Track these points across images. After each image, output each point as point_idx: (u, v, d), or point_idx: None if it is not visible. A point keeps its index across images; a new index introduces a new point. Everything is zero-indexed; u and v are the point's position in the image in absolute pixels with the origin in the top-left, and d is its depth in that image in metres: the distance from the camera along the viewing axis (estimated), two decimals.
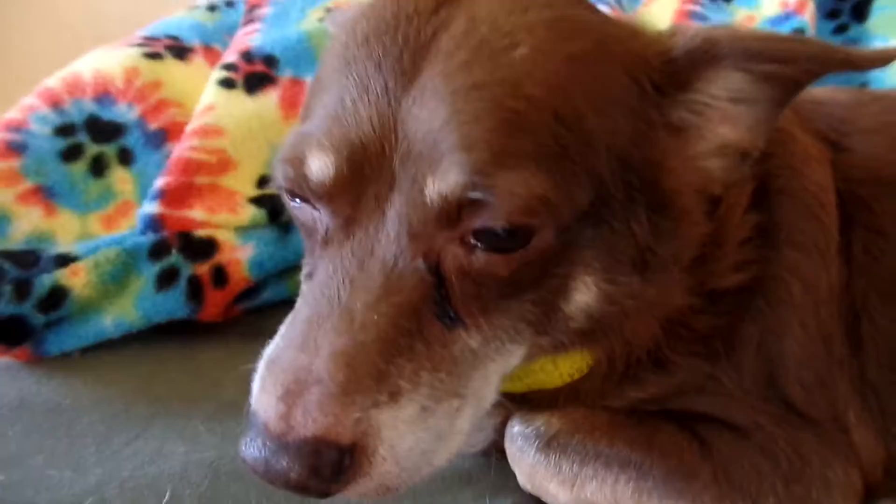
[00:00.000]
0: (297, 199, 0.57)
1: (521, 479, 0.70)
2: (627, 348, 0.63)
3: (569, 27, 0.56)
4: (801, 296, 0.66)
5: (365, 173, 0.52)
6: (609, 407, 0.67)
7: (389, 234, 0.52)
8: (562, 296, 0.56)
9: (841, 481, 0.64)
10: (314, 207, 0.56)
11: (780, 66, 0.56)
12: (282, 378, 0.50)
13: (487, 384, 0.57)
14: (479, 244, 0.52)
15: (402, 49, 0.53)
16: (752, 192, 0.66)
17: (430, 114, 0.51)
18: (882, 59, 0.59)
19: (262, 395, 0.51)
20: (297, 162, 0.54)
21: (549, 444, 0.67)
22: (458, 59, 0.52)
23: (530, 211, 0.51)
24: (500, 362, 0.57)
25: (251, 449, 0.50)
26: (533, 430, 0.68)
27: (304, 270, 0.58)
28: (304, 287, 0.56)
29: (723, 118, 0.58)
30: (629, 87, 0.56)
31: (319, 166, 0.53)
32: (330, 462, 0.48)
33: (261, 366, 0.53)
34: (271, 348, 0.54)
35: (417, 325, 0.51)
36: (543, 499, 0.70)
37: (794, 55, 0.56)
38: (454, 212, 0.51)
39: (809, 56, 0.56)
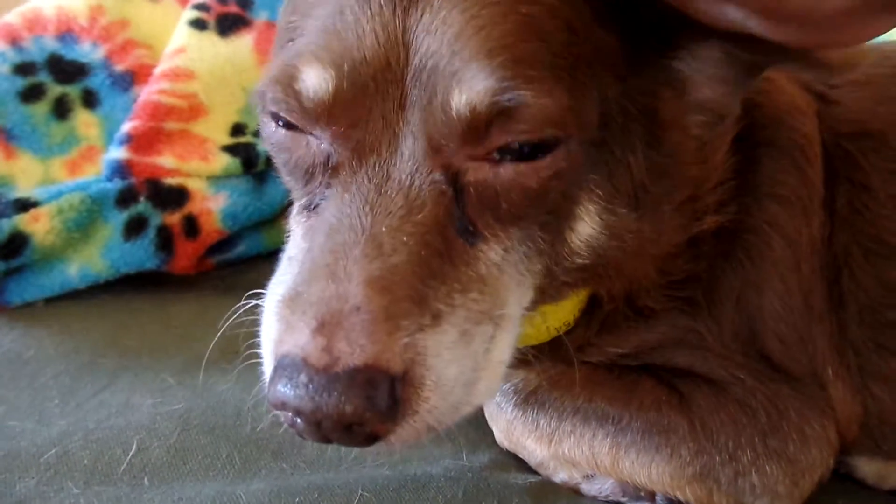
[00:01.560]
0: (286, 126, 0.53)
1: (499, 436, 0.70)
2: (626, 287, 0.62)
3: None
4: (781, 249, 0.66)
5: (369, 91, 0.49)
6: (588, 363, 0.67)
7: (404, 154, 0.49)
8: (567, 224, 0.55)
9: (818, 436, 0.64)
10: (308, 133, 0.52)
11: (758, 56, 0.56)
12: (313, 311, 0.46)
13: (514, 311, 0.54)
14: (505, 158, 0.50)
15: None
16: (737, 142, 0.65)
17: (443, 23, 0.48)
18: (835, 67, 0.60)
19: (290, 332, 0.47)
20: (289, 79, 0.50)
21: (526, 399, 0.67)
22: None
23: (558, 121, 0.49)
24: (522, 287, 0.54)
25: (290, 389, 0.45)
26: (511, 386, 0.67)
27: (301, 202, 0.54)
28: (307, 220, 0.53)
29: (702, 81, 0.58)
30: (632, 19, 0.54)
31: (316, 82, 0.49)
32: (385, 392, 0.45)
33: (274, 306, 0.49)
34: (283, 287, 0.50)
35: (444, 243, 0.49)
36: (520, 455, 0.70)
37: (772, 49, 0.54)
38: (483, 125, 0.48)
39: (787, 54, 0.55)
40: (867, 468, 0.72)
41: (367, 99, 0.49)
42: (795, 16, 0.48)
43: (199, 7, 1.02)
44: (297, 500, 0.62)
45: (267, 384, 0.48)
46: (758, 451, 0.62)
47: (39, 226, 0.83)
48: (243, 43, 1.00)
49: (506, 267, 0.52)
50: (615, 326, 0.65)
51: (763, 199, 0.66)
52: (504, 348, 0.53)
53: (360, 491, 0.63)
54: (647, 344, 0.66)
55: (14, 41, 0.96)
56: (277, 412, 0.48)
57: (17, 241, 0.83)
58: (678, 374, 0.66)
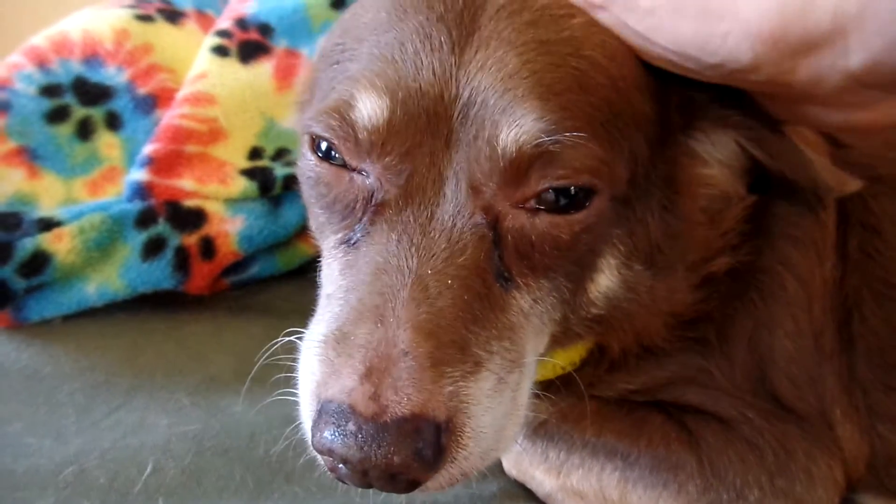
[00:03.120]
0: (335, 158, 0.53)
1: (507, 466, 0.70)
2: (636, 340, 0.63)
3: None
4: (794, 290, 0.67)
5: (420, 124, 0.50)
6: (598, 397, 0.68)
7: (447, 195, 0.50)
8: (589, 275, 0.56)
9: (824, 476, 0.65)
10: (353, 170, 0.52)
11: (765, 157, 0.58)
12: (360, 354, 0.46)
13: (532, 359, 0.55)
14: (541, 207, 0.51)
15: (462, 3, 0.52)
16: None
17: (498, 62, 0.49)
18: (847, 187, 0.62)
19: (336, 377, 0.46)
20: (345, 107, 0.50)
21: (536, 431, 0.67)
22: (524, 18, 0.52)
23: (596, 171, 0.50)
24: (540, 336, 0.55)
25: (338, 437, 0.44)
26: None
27: (337, 237, 0.54)
28: (344, 256, 0.53)
29: (713, 163, 0.61)
30: (665, 95, 0.57)
31: (371, 109, 0.50)
32: (431, 441, 0.45)
33: (316, 346, 0.49)
34: (325, 326, 0.50)
35: (484, 287, 0.49)
36: (529, 486, 0.70)
37: (780, 154, 0.58)
38: (525, 165, 0.49)
39: (790, 161, 0.58)
40: None
41: (419, 133, 0.50)
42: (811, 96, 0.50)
43: (222, 34, 1.04)
44: None
45: (310, 428, 0.47)
46: (765, 490, 0.63)
47: (61, 245, 0.84)
48: (263, 69, 1.02)
49: (532, 316, 0.53)
50: (625, 363, 0.66)
51: (777, 239, 0.67)
52: (526, 396, 0.53)
53: None
54: (658, 381, 0.67)
55: (41, 63, 0.98)
56: (320, 457, 0.48)
57: (39, 260, 0.84)
58: (688, 411, 0.66)
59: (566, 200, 0.51)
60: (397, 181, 0.51)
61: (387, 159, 0.51)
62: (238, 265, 0.96)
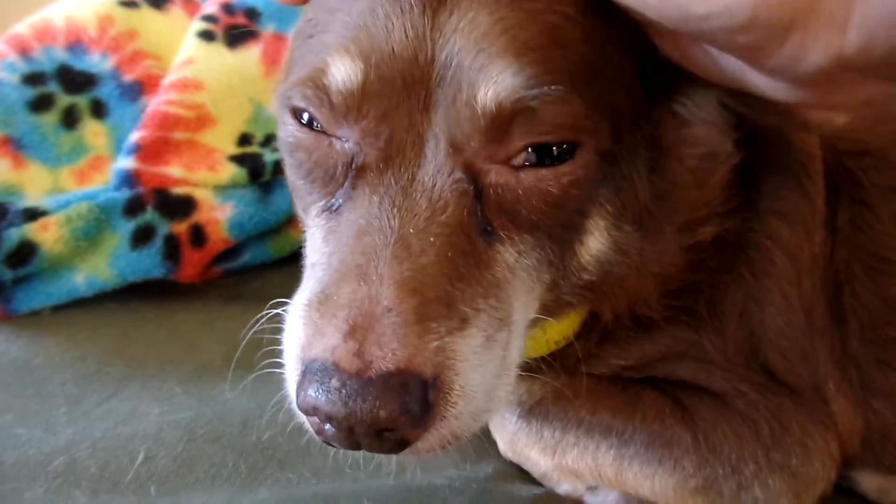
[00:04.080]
0: (309, 125, 0.53)
1: (502, 447, 0.70)
2: (628, 306, 0.63)
3: None
4: (783, 265, 0.67)
5: (396, 87, 0.49)
6: (591, 375, 0.67)
7: (427, 156, 0.49)
8: (578, 238, 0.56)
9: (820, 449, 0.65)
10: (333, 135, 0.52)
11: (747, 109, 0.58)
12: (343, 313, 0.46)
13: (522, 318, 0.54)
14: (526, 164, 0.50)
15: None
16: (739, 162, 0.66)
17: (470, 23, 0.49)
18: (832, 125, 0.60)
19: (319, 336, 0.46)
20: (318, 73, 0.50)
21: (530, 411, 0.67)
22: None
23: (577, 125, 0.50)
24: (529, 296, 0.54)
25: (322, 394, 0.44)
26: (515, 398, 0.68)
27: (319, 205, 0.54)
28: (326, 222, 0.53)
29: (697, 122, 0.60)
30: (643, 55, 0.56)
31: (345, 74, 0.49)
32: (417, 396, 0.44)
33: (300, 310, 0.49)
34: (309, 291, 0.49)
35: (468, 244, 0.49)
36: (524, 466, 0.70)
37: (763, 105, 0.56)
38: (506, 122, 0.49)
39: (772, 114, 0.57)
40: (869, 483, 0.72)
41: (395, 95, 0.49)
42: (783, 72, 0.48)
43: (207, 18, 1.03)
44: None
45: (295, 389, 0.47)
46: (760, 464, 0.63)
47: (48, 235, 0.84)
48: (251, 54, 1.01)
49: (518, 271, 0.52)
50: (617, 338, 0.65)
51: (765, 214, 0.67)
52: (516, 355, 0.53)
53: (364, 501, 0.64)
54: (651, 356, 0.67)
55: (24, 51, 0.97)
56: (306, 419, 0.47)
57: (26, 250, 0.83)
58: (681, 386, 0.66)
59: (550, 154, 0.51)
60: (376, 144, 0.50)
61: (363, 122, 0.50)
62: (229, 253, 0.95)
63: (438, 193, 0.49)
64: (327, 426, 0.46)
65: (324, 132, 0.53)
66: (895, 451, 0.69)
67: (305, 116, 0.54)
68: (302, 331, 0.48)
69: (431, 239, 0.48)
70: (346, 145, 0.52)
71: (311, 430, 0.49)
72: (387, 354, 0.44)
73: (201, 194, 0.92)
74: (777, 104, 0.52)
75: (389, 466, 0.67)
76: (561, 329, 0.65)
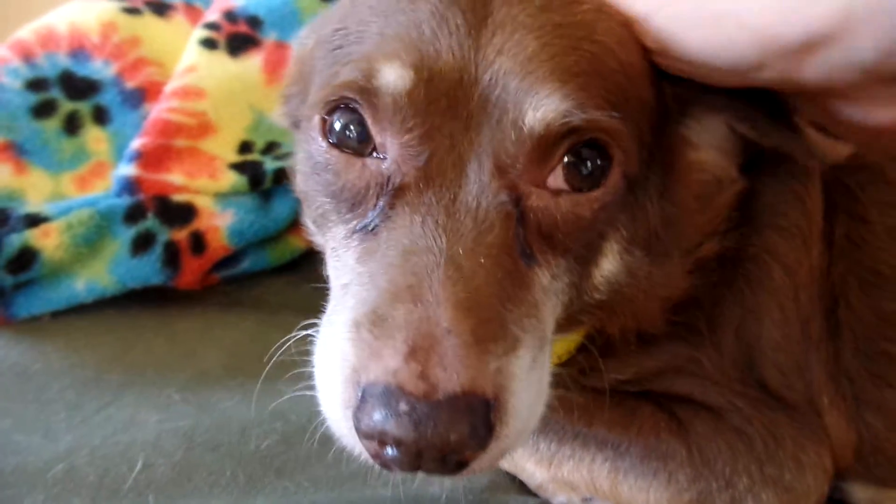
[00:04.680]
0: (348, 142, 0.52)
1: None
2: (635, 325, 0.64)
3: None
4: (781, 279, 0.67)
5: (441, 105, 0.49)
6: (588, 388, 0.68)
7: (470, 176, 0.50)
8: (595, 259, 0.56)
9: (813, 463, 0.65)
10: (368, 155, 0.52)
11: (756, 134, 0.59)
12: (402, 335, 0.44)
13: (551, 338, 0.54)
14: (563, 188, 0.52)
15: None
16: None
17: (516, 45, 0.50)
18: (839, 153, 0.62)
19: (377, 359, 0.44)
20: (364, 76, 0.50)
21: None
22: (536, 2, 0.52)
23: (616, 140, 0.52)
24: (552, 316, 0.54)
25: (390, 419, 0.43)
26: None
27: (349, 226, 0.53)
28: (360, 243, 0.52)
29: (705, 147, 0.62)
30: (658, 74, 0.57)
31: (397, 77, 0.49)
32: (483, 418, 0.44)
33: (348, 330, 0.47)
34: (352, 311, 0.48)
35: (513, 265, 0.49)
36: (520, 477, 0.70)
37: (771, 130, 0.59)
38: (552, 143, 0.50)
39: (780, 139, 0.59)
40: (861, 494, 0.73)
41: (439, 114, 0.50)
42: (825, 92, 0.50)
43: (210, 26, 1.03)
44: None
45: (351, 415, 0.45)
46: (754, 478, 0.63)
47: (49, 241, 0.84)
48: (252, 62, 1.02)
49: (550, 293, 0.53)
50: (616, 353, 0.66)
51: (763, 228, 0.67)
52: (548, 376, 0.52)
53: None
54: (648, 371, 0.67)
55: (27, 57, 0.97)
56: (358, 442, 0.46)
57: (27, 256, 0.83)
58: (677, 400, 0.67)
59: (587, 172, 0.52)
60: (416, 163, 0.50)
61: (406, 137, 0.50)
62: (229, 260, 0.96)
63: (484, 214, 0.49)
64: (389, 450, 0.44)
65: (356, 154, 0.53)
66: (887, 464, 0.69)
67: (336, 129, 0.53)
68: (353, 352, 0.46)
69: (482, 260, 0.47)
70: (382, 165, 0.52)
71: (363, 453, 0.47)
72: (451, 377, 0.43)
73: (202, 202, 0.92)
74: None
75: (391, 477, 0.67)
76: (564, 345, 0.65)
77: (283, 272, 0.99)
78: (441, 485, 0.68)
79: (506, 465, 0.70)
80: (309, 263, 0.94)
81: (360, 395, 0.45)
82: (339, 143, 0.54)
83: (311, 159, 0.56)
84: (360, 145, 0.53)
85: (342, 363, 0.47)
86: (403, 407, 0.43)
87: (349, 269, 0.52)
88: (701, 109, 0.60)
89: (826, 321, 0.69)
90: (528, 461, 0.67)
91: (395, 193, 0.51)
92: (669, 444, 0.64)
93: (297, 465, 0.69)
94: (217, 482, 0.67)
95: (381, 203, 0.51)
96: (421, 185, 0.50)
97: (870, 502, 0.73)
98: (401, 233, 0.49)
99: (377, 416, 0.43)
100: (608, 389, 0.66)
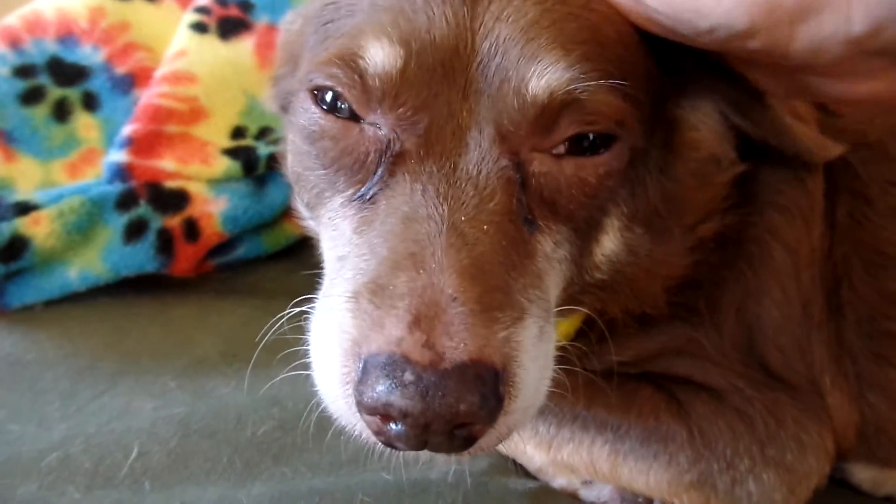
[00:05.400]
0: (341, 110, 0.51)
1: None
2: (637, 305, 0.63)
3: None
4: (782, 259, 0.66)
5: (436, 75, 0.48)
6: (588, 370, 0.67)
7: (469, 144, 0.48)
8: (595, 235, 0.56)
9: (815, 444, 0.65)
10: (363, 121, 0.50)
11: (747, 124, 0.59)
12: (404, 303, 0.42)
13: (555, 312, 0.53)
14: (566, 152, 0.50)
15: None
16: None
17: (516, 13, 0.49)
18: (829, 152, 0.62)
19: (378, 328, 0.42)
20: (351, 55, 0.48)
21: None
22: None
23: (620, 118, 0.51)
24: (556, 288, 0.53)
25: (395, 389, 0.40)
26: None
27: (345, 194, 0.52)
28: (357, 213, 0.50)
29: (700, 127, 0.61)
30: (654, 49, 0.56)
31: (384, 58, 0.48)
32: (492, 388, 0.42)
33: (348, 302, 0.45)
34: (350, 283, 0.46)
35: (516, 232, 0.48)
36: (519, 460, 0.70)
37: (761, 122, 0.59)
38: (555, 112, 0.48)
39: (772, 129, 0.59)
40: (863, 475, 0.72)
41: (435, 84, 0.48)
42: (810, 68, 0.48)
43: (200, 10, 1.02)
44: None
45: (352, 389, 0.43)
46: (755, 460, 0.63)
47: (40, 229, 0.83)
48: (244, 46, 1.00)
49: (553, 262, 0.52)
50: (615, 335, 0.65)
51: (764, 208, 0.67)
52: (554, 349, 0.51)
53: (360, 495, 0.64)
54: (647, 352, 0.66)
55: (14, 44, 0.96)
56: (359, 420, 0.44)
57: (17, 245, 0.82)
58: (677, 382, 0.66)
59: (589, 144, 0.51)
60: (414, 132, 0.49)
61: (400, 110, 0.49)
62: (223, 247, 0.95)
63: (485, 181, 0.48)
64: (393, 425, 0.42)
65: (352, 118, 0.51)
66: (889, 444, 0.69)
67: (328, 100, 0.52)
68: (352, 324, 0.44)
69: (485, 227, 0.46)
70: (379, 132, 0.50)
71: (364, 432, 0.45)
72: (459, 345, 0.41)
73: (195, 188, 0.91)
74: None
75: (388, 461, 0.67)
76: (563, 328, 0.64)
77: (278, 259, 0.99)
78: (439, 468, 0.67)
79: (505, 448, 0.70)
80: (304, 250, 0.94)
81: (360, 367, 0.43)
82: (332, 109, 0.52)
83: (304, 131, 0.55)
84: (353, 114, 0.52)
85: (341, 336, 0.45)
86: (409, 376, 0.41)
87: (346, 240, 0.51)
88: (695, 90, 0.59)
89: (828, 301, 0.68)
90: (527, 444, 0.67)
91: (394, 161, 0.49)
92: (670, 425, 0.64)
93: (294, 450, 0.69)
94: (213, 469, 0.67)
95: (380, 170, 0.50)
96: (421, 153, 0.49)
97: (871, 482, 0.73)
98: (400, 201, 0.48)
99: (381, 388, 0.41)
100: (608, 371, 0.66)
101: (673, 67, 0.57)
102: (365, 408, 0.43)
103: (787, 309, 0.66)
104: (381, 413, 0.42)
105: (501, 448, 0.70)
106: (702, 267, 0.65)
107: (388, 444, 0.44)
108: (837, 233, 0.68)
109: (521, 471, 0.70)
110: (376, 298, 0.44)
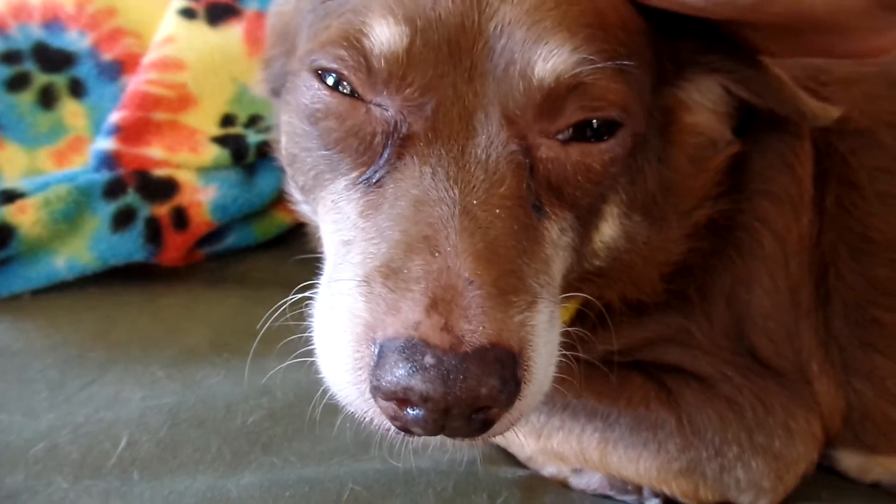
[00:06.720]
0: (340, 88, 0.50)
1: None
2: (634, 292, 0.63)
3: None
4: (771, 246, 0.67)
5: (441, 55, 0.47)
6: (578, 359, 0.67)
7: (477, 128, 0.48)
8: (595, 222, 0.55)
9: (803, 431, 0.65)
10: (370, 101, 0.49)
11: (751, 95, 0.59)
12: (420, 286, 0.42)
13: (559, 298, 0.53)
14: (572, 138, 0.50)
15: None
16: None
17: None
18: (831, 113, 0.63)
19: (394, 313, 0.42)
20: (355, 33, 0.47)
21: None
22: None
23: (625, 104, 0.50)
24: (559, 274, 0.53)
25: (415, 373, 0.40)
26: None
27: (352, 176, 0.51)
28: (363, 196, 0.49)
29: (700, 109, 0.61)
30: (655, 34, 0.56)
31: (389, 37, 0.47)
32: (512, 371, 0.41)
33: (359, 286, 0.44)
34: (364, 266, 0.45)
35: (526, 217, 0.48)
36: (510, 449, 0.70)
37: (765, 90, 0.58)
38: (561, 96, 0.48)
39: (776, 96, 0.59)
40: (849, 461, 0.73)
41: (440, 64, 0.48)
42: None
43: None
44: (287, 493, 0.62)
45: (370, 374, 0.42)
46: (744, 447, 0.63)
47: (26, 217, 0.82)
48: (233, 33, 0.99)
49: (559, 249, 0.52)
50: (605, 323, 0.65)
51: (753, 195, 0.67)
52: (559, 336, 0.50)
53: (350, 485, 0.64)
54: (638, 341, 0.67)
55: None
56: (373, 406, 0.44)
57: (3, 233, 0.81)
58: (667, 370, 0.67)
59: (593, 131, 0.50)
60: (421, 114, 0.48)
61: (406, 91, 0.48)
62: (213, 236, 0.94)
63: (494, 165, 0.47)
64: (411, 410, 0.42)
65: (358, 98, 0.50)
66: (875, 431, 0.69)
67: (331, 79, 0.51)
68: (365, 308, 0.43)
69: (497, 211, 0.46)
70: (386, 113, 0.49)
71: (377, 418, 0.44)
72: (477, 328, 0.41)
73: (183, 176, 0.90)
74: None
75: (378, 450, 0.66)
76: (561, 316, 0.64)
77: (268, 248, 0.98)
78: (430, 457, 0.67)
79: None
80: (295, 238, 0.93)
81: (376, 352, 0.42)
82: (336, 87, 0.51)
83: (305, 111, 0.53)
84: (357, 94, 0.51)
85: (352, 321, 0.44)
86: (430, 360, 0.40)
87: (351, 224, 0.50)
88: (696, 71, 0.59)
89: (816, 289, 0.68)
90: (518, 433, 0.67)
91: (402, 143, 0.49)
92: (659, 413, 0.64)
93: (284, 440, 0.68)
94: (202, 458, 0.66)
95: (387, 153, 0.49)
96: (429, 136, 0.48)
97: (858, 469, 0.73)
98: (409, 184, 0.47)
99: (400, 372, 0.40)
100: (598, 360, 0.66)
101: (672, 52, 0.57)
102: (382, 393, 0.42)
103: (775, 296, 0.66)
104: (399, 398, 0.42)
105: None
106: (693, 255, 0.65)
107: (404, 429, 0.44)
108: (826, 220, 0.68)
109: (512, 459, 0.71)
110: (390, 282, 0.43)
